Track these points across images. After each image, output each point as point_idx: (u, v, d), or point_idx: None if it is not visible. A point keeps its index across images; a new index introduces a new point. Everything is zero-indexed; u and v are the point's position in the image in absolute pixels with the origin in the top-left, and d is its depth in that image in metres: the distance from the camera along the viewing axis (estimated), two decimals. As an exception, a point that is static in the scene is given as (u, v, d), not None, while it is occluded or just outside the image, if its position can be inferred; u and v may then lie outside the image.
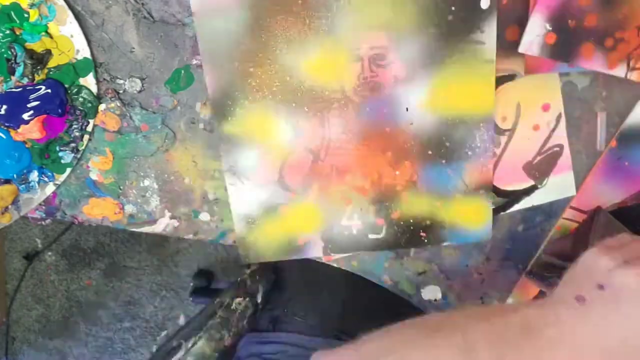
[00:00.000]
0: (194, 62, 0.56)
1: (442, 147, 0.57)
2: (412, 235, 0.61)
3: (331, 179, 0.58)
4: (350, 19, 0.52)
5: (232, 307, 0.71)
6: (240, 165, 0.57)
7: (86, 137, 0.57)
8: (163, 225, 0.63)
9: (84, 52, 0.54)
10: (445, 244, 0.62)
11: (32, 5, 0.51)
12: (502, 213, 0.62)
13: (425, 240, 0.61)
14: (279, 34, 0.52)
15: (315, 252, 0.61)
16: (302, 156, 0.57)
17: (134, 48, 0.55)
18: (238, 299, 0.72)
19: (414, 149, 0.57)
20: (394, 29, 0.52)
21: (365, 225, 0.60)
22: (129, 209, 0.62)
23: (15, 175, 0.58)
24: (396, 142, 0.57)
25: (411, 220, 0.60)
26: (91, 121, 0.57)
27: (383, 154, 0.57)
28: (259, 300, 0.75)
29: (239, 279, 0.73)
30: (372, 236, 0.61)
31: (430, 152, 0.57)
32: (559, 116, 0.59)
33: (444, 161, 0.58)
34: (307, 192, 0.59)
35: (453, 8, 0.51)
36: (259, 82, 0.54)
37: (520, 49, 0.53)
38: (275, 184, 0.58)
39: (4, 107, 0.54)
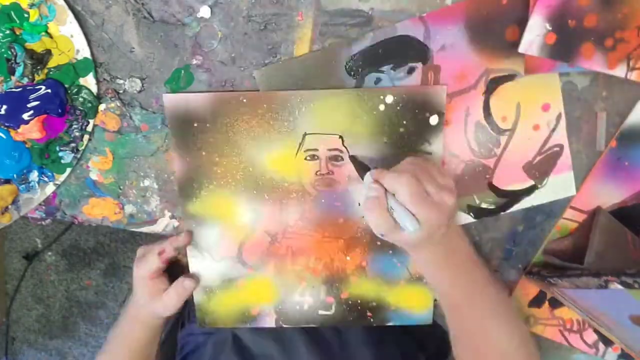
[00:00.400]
0: (194, 62, 0.56)
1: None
2: (360, 314, 0.65)
3: (286, 259, 0.63)
4: (311, 123, 0.57)
5: None
6: (203, 241, 0.62)
7: (86, 137, 0.57)
8: (163, 225, 0.63)
9: (84, 52, 0.54)
10: (389, 324, 0.66)
11: (32, 5, 0.51)
12: (502, 213, 0.62)
13: (372, 320, 0.66)
14: (245, 131, 0.57)
15: (268, 323, 0.66)
16: (260, 237, 0.62)
17: (134, 48, 0.55)
18: None
19: (365, 239, 0.62)
20: (350, 135, 0.57)
21: (316, 302, 0.65)
22: (129, 209, 0.62)
23: (15, 175, 0.58)
24: (348, 232, 0.62)
25: (359, 301, 0.65)
26: (91, 121, 0.57)
27: (336, 241, 0.62)
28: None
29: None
30: (322, 312, 0.65)
31: (379, 243, 0.62)
32: (559, 116, 0.59)
33: (390, 251, 0.63)
34: (263, 269, 0.63)
35: (405, 122, 0.56)
36: (224, 170, 0.59)
37: (520, 49, 0.53)
38: (233, 260, 0.63)
39: (4, 107, 0.54)
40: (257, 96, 0.56)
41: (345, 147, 0.58)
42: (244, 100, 0.56)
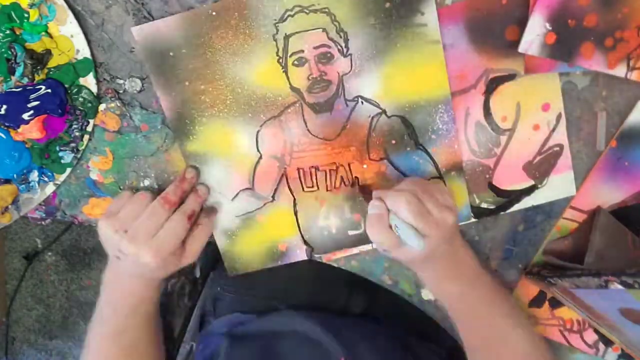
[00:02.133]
0: (194, 62, 0.55)
1: (404, 135, 0.58)
2: None
3: (300, 182, 0.59)
4: (289, 23, 0.53)
5: (168, 290, 0.71)
6: (211, 181, 0.58)
7: (86, 137, 0.57)
8: (163, 225, 0.62)
9: (84, 52, 0.54)
10: None
11: (32, 5, 0.51)
12: (502, 213, 0.62)
13: None
14: (223, 49, 0.53)
15: (300, 256, 0.62)
16: (268, 163, 0.58)
17: (134, 48, 0.55)
18: (172, 280, 0.72)
19: (378, 141, 0.58)
20: (333, 26, 0.53)
21: (343, 222, 0.61)
22: (129, 209, 0.62)
23: (15, 175, 0.58)
24: (358, 136, 0.57)
25: None
26: (91, 121, 0.57)
27: (347, 150, 0.58)
28: (198, 274, 0.75)
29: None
30: (351, 232, 0.61)
31: (394, 142, 0.58)
32: (559, 116, 0.59)
33: (409, 148, 0.58)
34: (280, 198, 0.59)
35: None
36: (212, 98, 0.55)
37: (520, 49, 0.53)
38: (247, 194, 0.59)
39: (4, 107, 0.54)
40: (226, 5, 0.51)
41: (332, 40, 0.53)
42: (214, 13, 0.52)
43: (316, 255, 0.62)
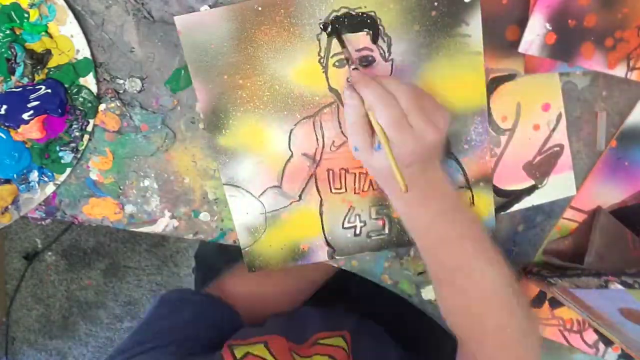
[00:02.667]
0: (194, 62, 0.55)
1: None
2: None
3: (329, 183, 0.59)
4: (334, 23, 0.52)
5: None
6: (239, 177, 0.58)
7: (86, 137, 0.57)
8: (163, 225, 0.63)
9: (84, 52, 0.54)
10: None
11: (32, 5, 0.51)
12: (502, 213, 0.62)
13: None
14: (265, 44, 0.53)
15: (321, 257, 0.62)
16: (299, 162, 0.58)
17: (134, 48, 0.55)
18: None
19: None
20: (377, 29, 0.53)
21: (368, 227, 0.61)
22: (129, 209, 0.62)
23: (15, 175, 0.58)
24: None
25: None
26: (91, 121, 0.57)
27: None
28: None
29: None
30: (374, 237, 0.61)
31: None
32: (559, 116, 0.59)
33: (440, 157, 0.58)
34: (307, 198, 0.59)
35: (436, 3, 0.52)
36: (249, 93, 0.55)
37: (520, 49, 0.53)
38: (274, 192, 0.59)
39: (4, 107, 0.54)
40: (272, 1, 0.51)
41: (375, 44, 0.53)
42: (259, 8, 0.51)
43: (337, 257, 0.62)
